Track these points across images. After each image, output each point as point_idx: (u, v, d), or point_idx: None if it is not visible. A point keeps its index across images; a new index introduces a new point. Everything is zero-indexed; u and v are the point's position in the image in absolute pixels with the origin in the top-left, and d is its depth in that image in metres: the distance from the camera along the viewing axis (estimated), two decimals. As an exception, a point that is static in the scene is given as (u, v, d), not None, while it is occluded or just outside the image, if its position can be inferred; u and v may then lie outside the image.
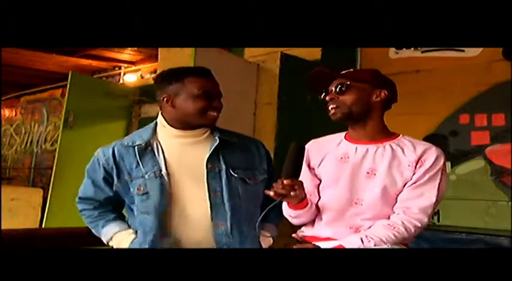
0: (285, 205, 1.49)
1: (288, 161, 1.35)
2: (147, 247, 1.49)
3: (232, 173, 1.55)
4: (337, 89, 1.45)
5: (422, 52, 3.09)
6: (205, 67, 1.60)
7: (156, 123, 1.63)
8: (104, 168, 1.58)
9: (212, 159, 1.55)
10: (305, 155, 1.51)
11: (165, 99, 1.57)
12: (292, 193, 1.33)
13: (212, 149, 1.55)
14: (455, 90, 2.88)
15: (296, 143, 1.38)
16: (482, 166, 2.76)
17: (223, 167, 1.55)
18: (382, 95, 1.44)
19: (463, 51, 2.91)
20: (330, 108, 1.46)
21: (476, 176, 2.77)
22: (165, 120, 1.59)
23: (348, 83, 1.44)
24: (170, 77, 1.58)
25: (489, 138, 2.75)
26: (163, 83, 1.59)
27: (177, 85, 1.55)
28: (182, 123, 1.57)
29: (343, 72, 1.48)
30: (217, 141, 1.57)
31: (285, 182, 1.33)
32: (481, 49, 2.83)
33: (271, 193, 1.34)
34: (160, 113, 1.62)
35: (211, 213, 1.50)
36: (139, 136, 1.61)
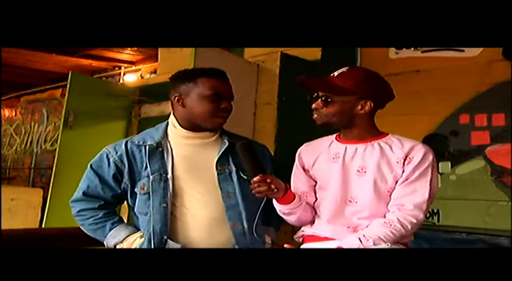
0: (275, 203, 1.50)
1: (245, 162, 1.42)
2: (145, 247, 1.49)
3: (242, 175, 1.56)
4: (322, 100, 1.46)
5: (422, 52, 3.09)
6: (220, 69, 1.60)
7: (168, 123, 1.64)
8: (116, 164, 1.57)
9: (222, 161, 1.57)
10: (297, 158, 1.59)
11: (176, 98, 1.58)
12: (271, 187, 1.39)
13: (222, 152, 1.57)
14: (455, 90, 2.88)
15: (240, 143, 1.45)
16: (482, 166, 2.75)
17: (234, 168, 1.56)
18: (367, 108, 1.45)
19: (463, 51, 2.91)
20: (313, 113, 1.50)
21: (476, 176, 2.76)
22: (177, 120, 1.60)
23: (329, 99, 1.45)
24: (184, 76, 1.60)
25: (489, 138, 2.75)
26: (177, 82, 1.60)
27: (189, 85, 1.56)
28: (191, 124, 1.58)
29: (330, 77, 1.48)
30: (227, 144, 1.58)
31: (255, 179, 1.39)
32: (481, 49, 2.83)
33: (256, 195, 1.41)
34: (172, 113, 1.63)
35: (227, 214, 1.52)
36: (150, 136, 1.61)
